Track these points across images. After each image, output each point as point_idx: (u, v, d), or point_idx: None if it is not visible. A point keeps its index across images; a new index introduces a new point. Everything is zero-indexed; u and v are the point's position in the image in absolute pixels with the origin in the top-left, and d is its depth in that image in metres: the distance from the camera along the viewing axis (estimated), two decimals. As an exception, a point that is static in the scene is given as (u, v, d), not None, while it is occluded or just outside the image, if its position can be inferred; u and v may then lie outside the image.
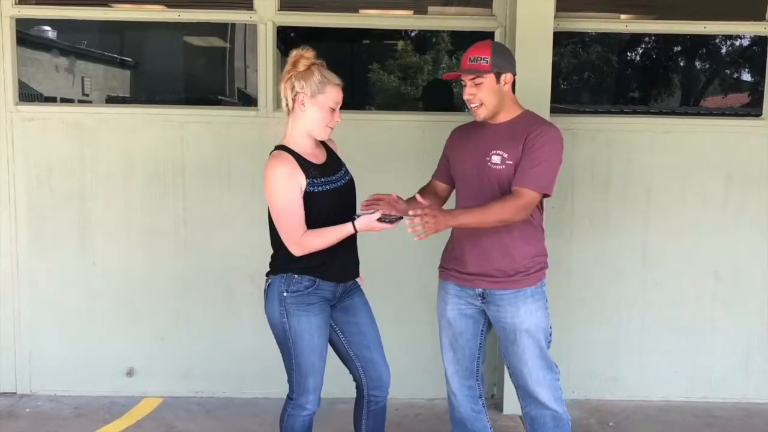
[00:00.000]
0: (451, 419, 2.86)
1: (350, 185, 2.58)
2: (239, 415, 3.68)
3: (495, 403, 3.85)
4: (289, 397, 2.58)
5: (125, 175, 3.81)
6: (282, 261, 2.50)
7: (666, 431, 3.61)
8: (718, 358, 3.92)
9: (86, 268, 3.84)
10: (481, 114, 2.56)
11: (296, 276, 2.47)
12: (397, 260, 3.68)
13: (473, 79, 2.53)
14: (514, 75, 2.61)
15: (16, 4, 3.74)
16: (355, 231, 2.41)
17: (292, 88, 2.44)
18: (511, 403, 3.63)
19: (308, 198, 2.42)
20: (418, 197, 2.47)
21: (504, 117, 2.59)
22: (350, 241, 2.52)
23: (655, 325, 3.91)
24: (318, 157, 2.51)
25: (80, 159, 3.80)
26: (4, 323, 3.86)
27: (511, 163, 2.50)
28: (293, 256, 2.45)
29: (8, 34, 3.73)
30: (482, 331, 2.73)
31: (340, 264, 2.53)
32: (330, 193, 2.46)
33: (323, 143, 2.59)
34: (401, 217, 2.40)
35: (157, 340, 3.88)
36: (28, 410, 3.72)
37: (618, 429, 3.61)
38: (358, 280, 2.69)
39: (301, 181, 2.41)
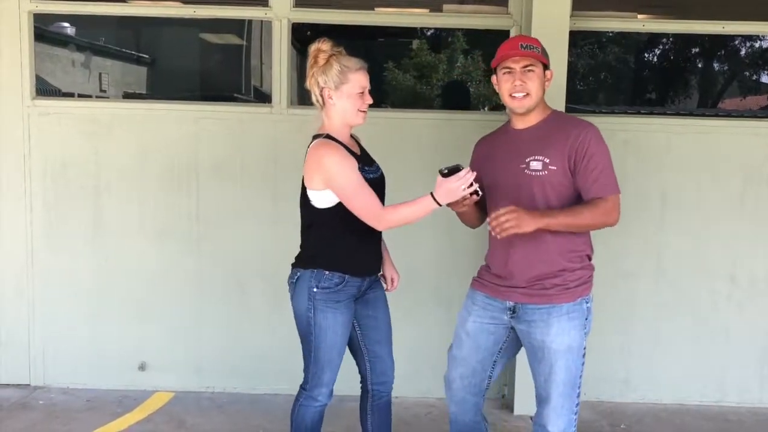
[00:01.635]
0: (451, 428, 2.72)
1: (383, 179, 2.59)
2: (250, 410, 3.69)
3: (506, 404, 3.84)
4: (303, 387, 2.59)
5: (139, 171, 3.83)
6: (311, 253, 2.51)
7: (678, 435, 3.58)
8: (733, 362, 3.88)
9: (100, 263, 3.86)
10: (525, 105, 2.41)
11: (327, 272, 2.47)
12: (410, 259, 3.66)
13: (526, 66, 2.40)
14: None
15: (33, -1, 3.77)
16: (439, 204, 2.31)
17: (317, 84, 2.46)
18: (522, 404, 3.62)
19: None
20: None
21: (535, 118, 2.46)
22: (376, 235, 2.55)
23: (668, 327, 3.87)
24: (355, 149, 2.55)
25: (95, 154, 3.82)
26: (19, 316, 3.89)
27: (554, 168, 2.36)
28: (322, 248, 2.47)
29: (26, 29, 3.76)
30: (500, 350, 2.56)
31: (367, 257, 2.55)
32: (372, 182, 2.46)
33: (353, 137, 2.60)
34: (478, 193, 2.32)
35: (169, 336, 3.90)
36: (41, 402, 3.75)
37: (630, 432, 3.58)
38: (393, 276, 2.71)
39: (354, 164, 2.44)
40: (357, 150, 2.55)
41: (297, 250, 2.58)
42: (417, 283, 3.75)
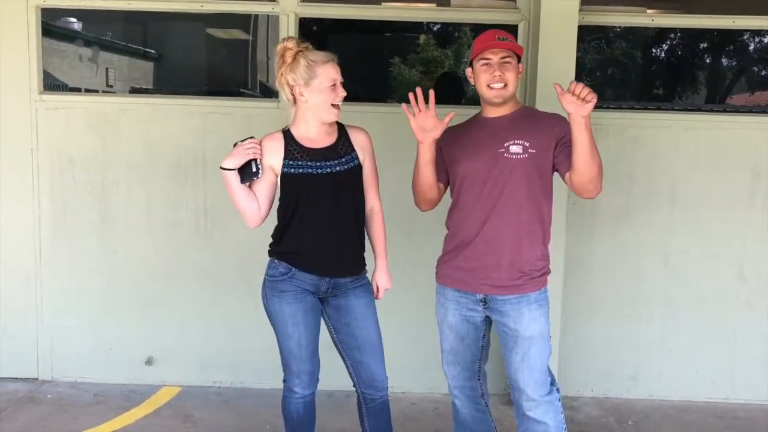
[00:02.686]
0: (455, 421, 2.79)
1: (345, 173, 2.51)
2: (256, 405, 3.69)
3: (510, 400, 3.82)
4: (283, 380, 2.63)
5: (147, 166, 3.83)
6: (271, 243, 2.58)
7: (686, 432, 3.57)
8: (741, 359, 3.86)
9: (107, 257, 3.87)
10: (503, 95, 2.46)
11: (276, 261, 2.54)
12: (415, 253, 3.66)
13: (503, 57, 2.45)
14: None
15: (41, -7, 3.77)
16: (227, 169, 2.44)
17: (287, 82, 2.47)
18: (529, 400, 3.61)
19: (282, 178, 2.48)
20: None
21: (509, 108, 2.52)
22: (343, 236, 2.50)
23: (676, 324, 3.86)
24: (319, 143, 2.51)
25: (102, 148, 3.83)
26: (27, 311, 3.91)
27: (534, 151, 2.42)
28: (275, 238, 2.56)
29: (33, 23, 3.77)
30: (484, 335, 2.63)
31: (320, 256, 2.50)
32: (307, 177, 2.46)
33: (343, 131, 2.57)
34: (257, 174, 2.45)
35: (177, 330, 3.91)
36: (49, 396, 3.77)
37: (637, 428, 3.57)
38: (380, 284, 2.67)
39: (271, 160, 2.48)
40: (324, 143, 2.51)
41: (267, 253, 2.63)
42: (422, 279, 3.74)
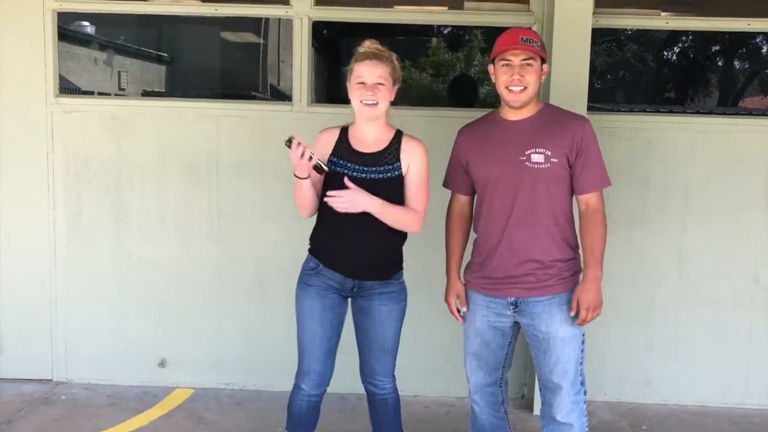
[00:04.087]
0: (472, 426, 2.76)
1: (381, 181, 2.50)
2: (269, 407, 3.69)
3: (525, 404, 3.82)
4: (296, 374, 2.68)
5: (160, 168, 3.85)
6: (310, 239, 2.67)
7: (701, 437, 3.55)
8: (757, 364, 3.83)
9: (121, 260, 3.89)
10: (521, 99, 2.42)
11: (309, 255, 2.63)
12: (428, 259, 3.66)
13: (525, 59, 2.40)
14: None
15: (57, -2, 3.80)
16: (298, 177, 2.46)
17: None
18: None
19: (328, 175, 2.48)
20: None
21: (529, 110, 2.47)
22: (369, 241, 2.51)
23: (691, 328, 3.84)
24: (368, 146, 2.53)
25: (117, 151, 3.85)
26: (42, 312, 3.93)
27: (556, 161, 2.39)
28: (313, 231, 2.64)
29: (50, 27, 3.79)
30: (510, 342, 2.62)
31: (345, 257, 2.54)
32: (360, 181, 2.47)
33: (398, 140, 2.55)
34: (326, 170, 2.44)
35: (190, 332, 3.92)
36: (63, 397, 3.79)
37: (651, 433, 3.55)
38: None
39: (323, 152, 2.52)
40: (371, 148, 2.52)
41: None
42: (436, 282, 3.73)
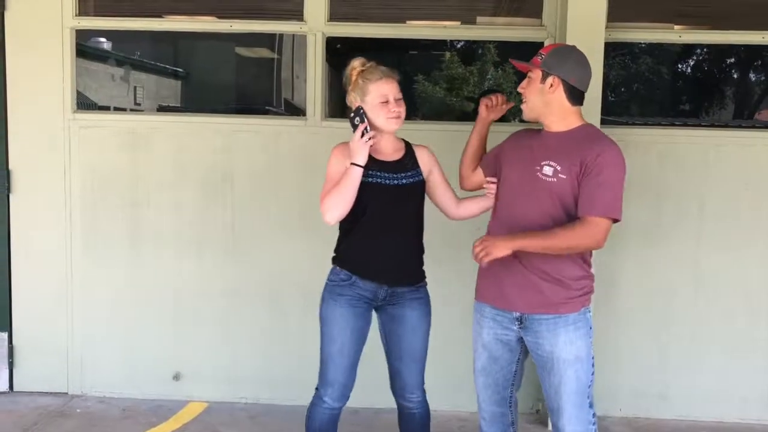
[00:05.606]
0: None
1: (410, 187, 2.61)
2: (283, 422, 3.69)
3: (540, 419, 3.79)
4: (316, 387, 2.67)
5: (176, 183, 3.89)
6: (335, 250, 2.67)
7: (718, 453, 3.51)
8: (774, 379, 3.79)
9: (137, 274, 3.92)
10: (524, 112, 2.47)
11: (337, 268, 2.62)
12: (442, 274, 3.66)
13: (527, 73, 2.46)
14: (568, 82, 2.40)
15: (76, 15, 3.86)
16: (358, 165, 2.48)
17: (353, 100, 2.61)
18: (557, 419, 3.57)
19: (365, 185, 2.52)
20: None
21: (558, 126, 2.44)
22: (403, 246, 2.60)
23: (706, 342, 3.80)
24: (388, 155, 2.61)
25: (133, 166, 3.89)
26: (57, 326, 3.96)
27: (564, 177, 2.34)
28: (339, 247, 2.65)
29: (68, 44, 3.85)
30: (518, 359, 2.57)
31: (380, 264, 2.57)
32: (380, 187, 2.54)
33: (410, 148, 2.68)
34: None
35: (204, 345, 3.94)
36: (78, 410, 3.81)
37: (668, 449, 3.52)
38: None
39: (347, 164, 2.53)
40: (393, 156, 2.62)
41: (331, 260, 2.68)
42: (454, 298, 3.73)
